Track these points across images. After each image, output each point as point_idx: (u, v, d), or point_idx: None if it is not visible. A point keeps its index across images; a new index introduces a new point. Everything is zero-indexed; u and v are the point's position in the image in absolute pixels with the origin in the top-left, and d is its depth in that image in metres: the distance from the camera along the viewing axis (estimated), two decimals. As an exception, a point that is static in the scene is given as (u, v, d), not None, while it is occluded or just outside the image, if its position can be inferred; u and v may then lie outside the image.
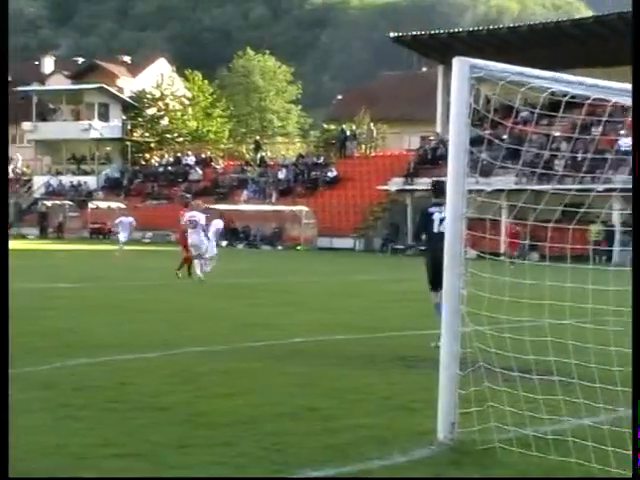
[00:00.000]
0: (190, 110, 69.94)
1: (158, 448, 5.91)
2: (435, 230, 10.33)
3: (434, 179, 11.47)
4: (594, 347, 6.59)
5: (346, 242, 46.91)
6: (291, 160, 58.01)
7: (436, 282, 9.45)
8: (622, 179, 38.12)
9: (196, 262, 21.10)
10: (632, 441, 4.87)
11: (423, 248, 10.67)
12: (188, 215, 21.68)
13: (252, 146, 62.74)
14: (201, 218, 21.49)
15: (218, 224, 24.41)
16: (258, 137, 65.39)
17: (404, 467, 5.64)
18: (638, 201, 5.61)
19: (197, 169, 59.78)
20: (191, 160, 61.44)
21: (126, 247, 33.64)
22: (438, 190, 10.47)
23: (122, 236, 33.26)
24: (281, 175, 55.14)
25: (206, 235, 21.66)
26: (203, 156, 62.17)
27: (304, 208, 48.34)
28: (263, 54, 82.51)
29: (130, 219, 34.57)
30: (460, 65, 6.14)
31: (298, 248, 45.82)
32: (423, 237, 11.07)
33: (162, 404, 7.30)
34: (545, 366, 6.92)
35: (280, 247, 46.73)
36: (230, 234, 47.15)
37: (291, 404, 7.40)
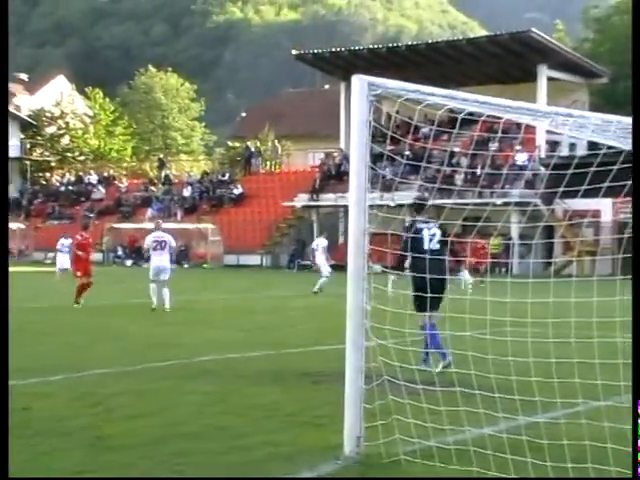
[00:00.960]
0: (91, 128, 68.80)
1: (59, 475, 5.78)
2: (425, 247, 9.92)
3: (417, 196, 11.32)
4: (493, 358, 6.75)
5: (253, 259, 46.85)
6: (196, 177, 57.69)
7: (432, 302, 8.71)
8: (518, 193, 39.34)
9: (165, 291, 18.85)
10: (632, 442, 4.98)
11: (407, 266, 10.01)
12: (154, 236, 19.47)
13: (156, 164, 62.10)
14: (170, 239, 19.49)
15: (323, 242, 25.16)
16: (162, 155, 64.80)
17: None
18: (638, 203, 5.78)
19: (100, 188, 58.81)
20: (93, 179, 60.42)
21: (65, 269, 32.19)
22: (419, 207, 10.44)
23: (62, 260, 31.27)
24: (186, 193, 54.73)
25: (171, 259, 19.61)
26: (106, 174, 61.23)
27: (210, 225, 48.08)
28: (165, 71, 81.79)
29: (70, 241, 33.08)
30: (358, 83, 6.25)
31: (205, 266, 45.50)
32: (408, 259, 9.94)
33: (65, 429, 7.14)
34: (447, 377, 7.06)
35: (186, 265, 46.29)
36: (135, 253, 46.49)
37: (198, 423, 7.35)
